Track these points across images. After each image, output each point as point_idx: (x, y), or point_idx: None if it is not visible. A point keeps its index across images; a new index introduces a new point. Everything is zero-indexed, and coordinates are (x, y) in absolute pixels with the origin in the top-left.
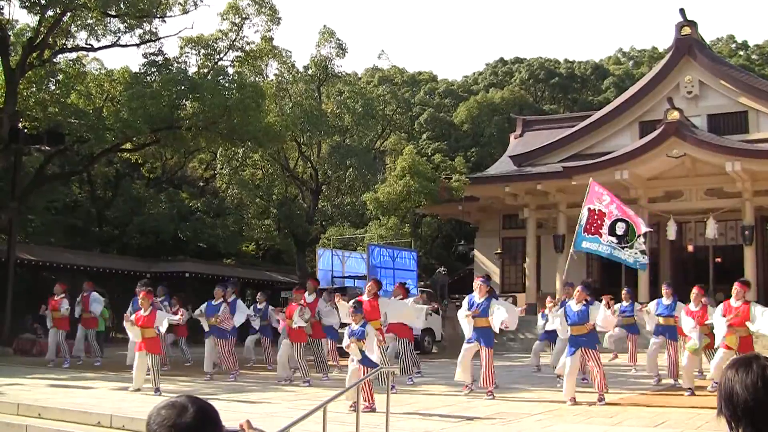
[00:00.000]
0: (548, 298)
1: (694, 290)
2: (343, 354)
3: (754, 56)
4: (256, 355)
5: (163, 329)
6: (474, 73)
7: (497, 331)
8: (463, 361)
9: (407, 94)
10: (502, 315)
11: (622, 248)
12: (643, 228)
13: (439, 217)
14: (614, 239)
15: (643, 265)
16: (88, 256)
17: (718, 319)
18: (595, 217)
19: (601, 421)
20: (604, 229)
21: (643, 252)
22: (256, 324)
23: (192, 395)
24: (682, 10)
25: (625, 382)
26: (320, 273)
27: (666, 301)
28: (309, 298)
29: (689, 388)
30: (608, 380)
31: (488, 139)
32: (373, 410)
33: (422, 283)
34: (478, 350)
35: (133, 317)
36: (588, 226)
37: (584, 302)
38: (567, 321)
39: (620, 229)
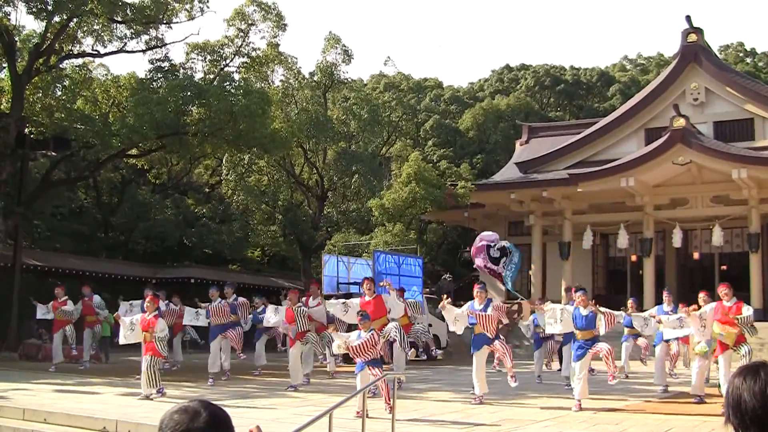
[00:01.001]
0: (537, 302)
1: (702, 295)
2: (348, 360)
3: (761, 63)
4: (267, 360)
5: (161, 334)
6: (480, 80)
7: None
8: (479, 372)
9: (413, 101)
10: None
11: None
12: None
13: (444, 224)
14: (497, 265)
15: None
16: (93, 261)
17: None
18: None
19: (606, 428)
20: (497, 267)
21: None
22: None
23: (204, 400)
24: (688, 17)
25: (631, 389)
26: (326, 279)
27: (666, 307)
28: (312, 302)
29: (698, 395)
30: (614, 387)
31: (494, 146)
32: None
33: (427, 289)
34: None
35: (137, 318)
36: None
37: (591, 307)
38: (575, 325)
39: (495, 252)
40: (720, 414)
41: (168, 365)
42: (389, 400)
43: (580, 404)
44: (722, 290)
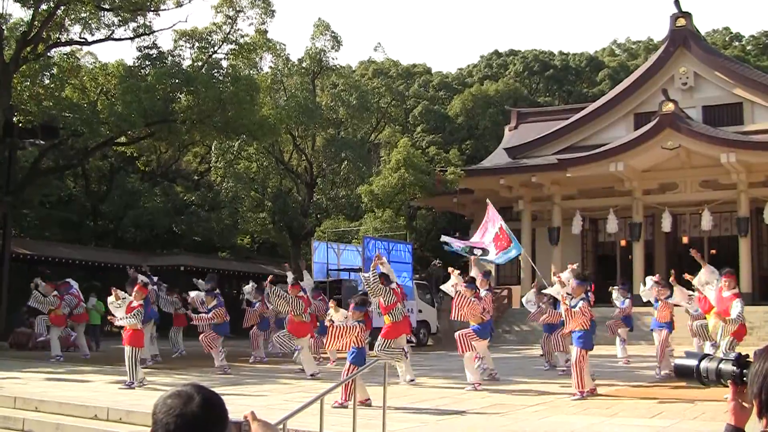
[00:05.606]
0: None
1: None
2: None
3: (749, 47)
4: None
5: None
6: (468, 66)
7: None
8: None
9: (402, 87)
10: None
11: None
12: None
13: (434, 210)
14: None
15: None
16: (82, 250)
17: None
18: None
19: (597, 412)
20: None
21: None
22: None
23: (197, 384)
24: (676, 2)
25: (621, 374)
26: (315, 266)
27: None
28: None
29: None
30: (604, 372)
31: (483, 132)
32: (344, 407)
33: (417, 275)
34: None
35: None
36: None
37: (585, 295)
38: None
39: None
40: (719, 399)
41: (153, 359)
42: (348, 399)
43: (582, 393)
44: (725, 279)
